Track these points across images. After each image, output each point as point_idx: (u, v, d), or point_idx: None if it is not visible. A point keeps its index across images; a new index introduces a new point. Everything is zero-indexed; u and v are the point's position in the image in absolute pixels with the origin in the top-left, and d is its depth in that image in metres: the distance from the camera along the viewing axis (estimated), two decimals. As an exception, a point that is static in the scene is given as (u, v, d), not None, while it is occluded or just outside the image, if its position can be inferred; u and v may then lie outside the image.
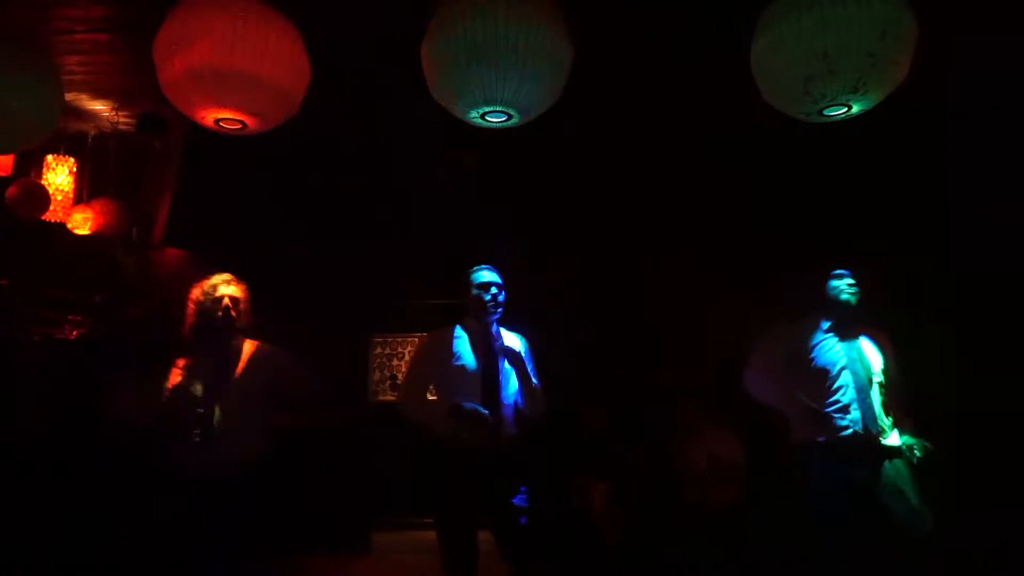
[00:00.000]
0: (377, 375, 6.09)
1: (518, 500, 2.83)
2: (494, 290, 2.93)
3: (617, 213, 4.68)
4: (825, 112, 2.06)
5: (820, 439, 2.76)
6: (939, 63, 2.34)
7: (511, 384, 2.91)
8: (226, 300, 2.76)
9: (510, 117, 2.17)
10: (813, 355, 2.83)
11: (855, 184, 3.95)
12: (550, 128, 2.50)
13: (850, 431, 2.72)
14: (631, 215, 4.67)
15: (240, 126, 2.20)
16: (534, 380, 2.91)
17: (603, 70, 2.99)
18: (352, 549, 4.65)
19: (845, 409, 2.74)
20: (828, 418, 2.75)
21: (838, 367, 2.80)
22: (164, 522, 2.64)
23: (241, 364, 2.76)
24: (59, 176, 4.17)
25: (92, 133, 4.21)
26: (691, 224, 4.51)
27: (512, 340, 2.99)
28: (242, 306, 2.80)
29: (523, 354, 2.93)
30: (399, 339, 6.13)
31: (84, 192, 4.37)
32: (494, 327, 2.95)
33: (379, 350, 6.14)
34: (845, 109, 2.04)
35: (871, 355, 2.86)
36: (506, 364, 2.90)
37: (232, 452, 2.64)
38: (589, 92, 2.64)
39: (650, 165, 4.23)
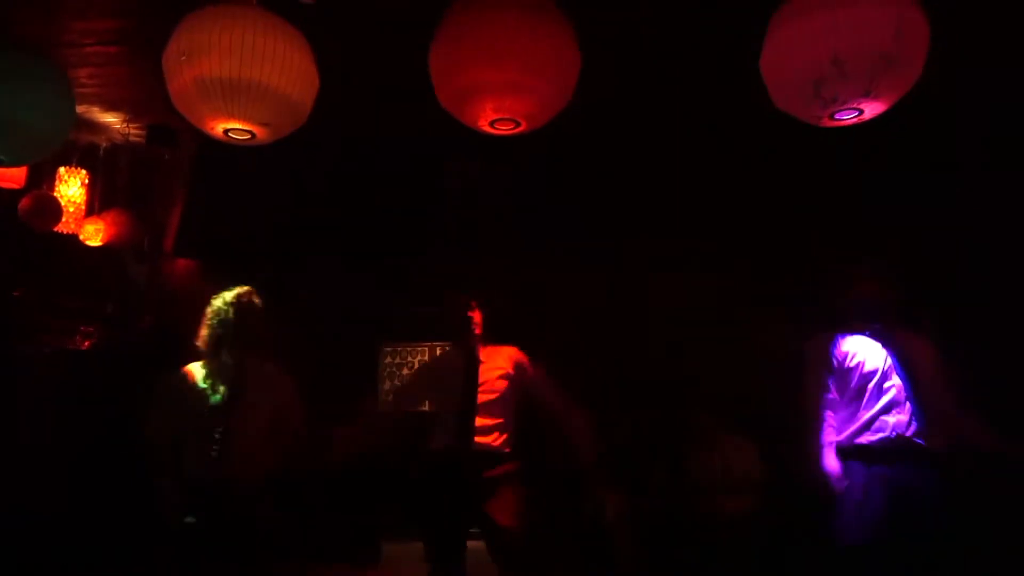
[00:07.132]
0: (388, 384, 6.04)
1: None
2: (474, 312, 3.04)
3: (625, 217, 4.65)
4: (835, 116, 2.00)
5: (861, 442, 2.73)
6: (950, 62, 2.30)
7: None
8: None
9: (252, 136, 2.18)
10: (855, 361, 2.80)
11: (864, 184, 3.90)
12: (559, 135, 2.49)
13: (891, 435, 2.69)
14: (638, 219, 4.64)
15: (249, 136, 2.20)
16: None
17: (610, 77, 2.97)
18: (361, 559, 4.62)
19: (886, 412, 2.71)
20: (871, 421, 2.73)
21: (880, 370, 2.77)
22: (177, 535, 2.68)
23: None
24: (71, 188, 4.20)
25: (104, 145, 4.25)
26: (698, 227, 4.47)
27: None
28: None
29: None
30: (408, 348, 6.08)
31: (96, 204, 4.40)
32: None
33: (388, 360, 6.10)
34: (856, 113, 1.99)
35: (909, 357, 2.82)
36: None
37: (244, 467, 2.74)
38: (597, 99, 2.63)
39: (657, 171, 4.21)
